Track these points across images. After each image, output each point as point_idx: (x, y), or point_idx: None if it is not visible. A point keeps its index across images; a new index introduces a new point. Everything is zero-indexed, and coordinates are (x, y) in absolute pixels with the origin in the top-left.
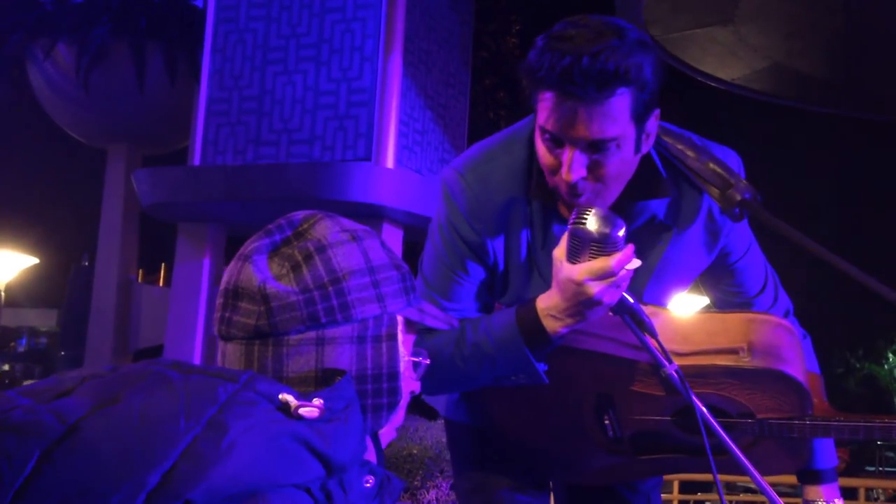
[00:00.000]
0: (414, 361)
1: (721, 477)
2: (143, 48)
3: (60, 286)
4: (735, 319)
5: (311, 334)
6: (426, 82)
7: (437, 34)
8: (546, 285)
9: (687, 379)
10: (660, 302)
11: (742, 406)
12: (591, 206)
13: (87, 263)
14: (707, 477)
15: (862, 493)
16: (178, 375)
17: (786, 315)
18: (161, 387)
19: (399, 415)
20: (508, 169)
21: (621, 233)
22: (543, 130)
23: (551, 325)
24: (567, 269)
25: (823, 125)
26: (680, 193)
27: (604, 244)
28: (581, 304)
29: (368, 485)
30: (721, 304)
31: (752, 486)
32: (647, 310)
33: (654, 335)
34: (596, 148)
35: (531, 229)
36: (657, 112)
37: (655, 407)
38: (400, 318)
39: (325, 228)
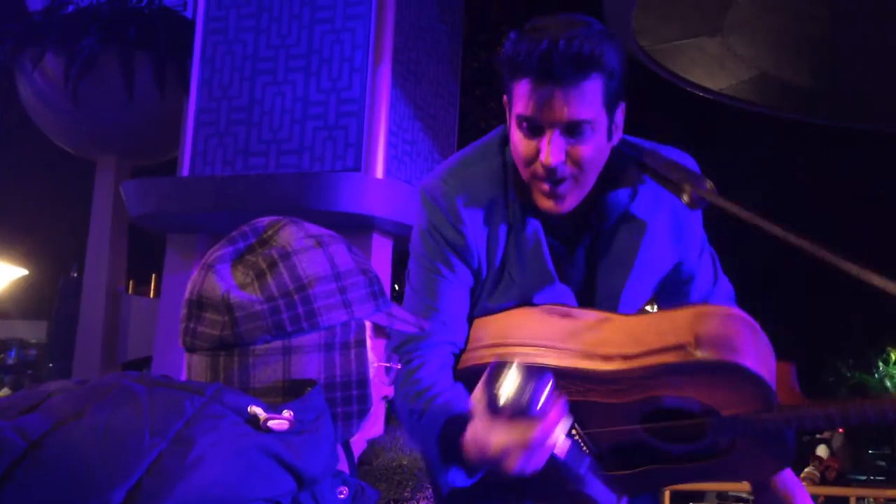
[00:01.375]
0: (385, 366)
1: (712, 486)
2: (132, 58)
3: (50, 298)
4: (683, 315)
5: (278, 343)
6: (416, 92)
7: (426, 44)
8: (515, 289)
9: (637, 380)
10: (639, 301)
11: (704, 406)
12: (511, 363)
13: (75, 275)
14: (698, 487)
15: (853, 501)
16: (144, 389)
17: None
18: (126, 401)
19: (374, 423)
20: (486, 173)
21: (545, 393)
22: (521, 119)
23: (471, 459)
24: (482, 431)
25: (812, 135)
26: (646, 185)
27: (525, 410)
28: (500, 469)
29: (342, 496)
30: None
31: (744, 495)
32: (600, 315)
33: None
34: (573, 131)
35: (509, 229)
36: (624, 105)
37: (618, 415)
38: (368, 324)
39: (290, 234)
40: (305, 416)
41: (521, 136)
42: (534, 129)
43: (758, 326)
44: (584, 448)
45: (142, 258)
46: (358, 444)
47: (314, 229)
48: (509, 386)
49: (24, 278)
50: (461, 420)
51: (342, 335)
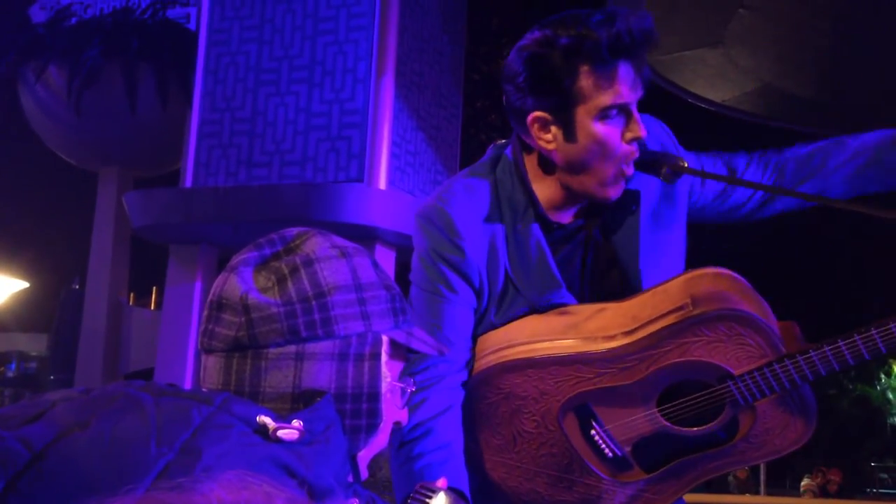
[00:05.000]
0: (401, 388)
1: (717, 498)
2: (135, 70)
3: (51, 310)
4: (673, 284)
5: (291, 348)
6: (418, 104)
7: (429, 56)
8: (521, 299)
9: (644, 352)
10: (658, 276)
11: (715, 367)
12: (438, 489)
13: (77, 286)
14: (703, 498)
15: None
16: (150, 398)
17: None
18: (131, 411)
19: (380, 438)
20: (479, 191)
21: None
22: (611, 108)
23: None
24: None
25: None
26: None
27: None
28: None
29: None
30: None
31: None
32: (596, 306)
33: None
34: (638, 107)
35: (507, 241)
36: None
37: (633, 398)
38: (385, 339)
39: (315, 244)
40: (315, 427)
41: (608, 125)
42: (623, 112)
43: (748, 283)
44: (606, 450)
45: (143, 269)
46: (366, 462)
47: (340, 241)
48: None
49: (25, 290)
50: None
51: (357, 346)
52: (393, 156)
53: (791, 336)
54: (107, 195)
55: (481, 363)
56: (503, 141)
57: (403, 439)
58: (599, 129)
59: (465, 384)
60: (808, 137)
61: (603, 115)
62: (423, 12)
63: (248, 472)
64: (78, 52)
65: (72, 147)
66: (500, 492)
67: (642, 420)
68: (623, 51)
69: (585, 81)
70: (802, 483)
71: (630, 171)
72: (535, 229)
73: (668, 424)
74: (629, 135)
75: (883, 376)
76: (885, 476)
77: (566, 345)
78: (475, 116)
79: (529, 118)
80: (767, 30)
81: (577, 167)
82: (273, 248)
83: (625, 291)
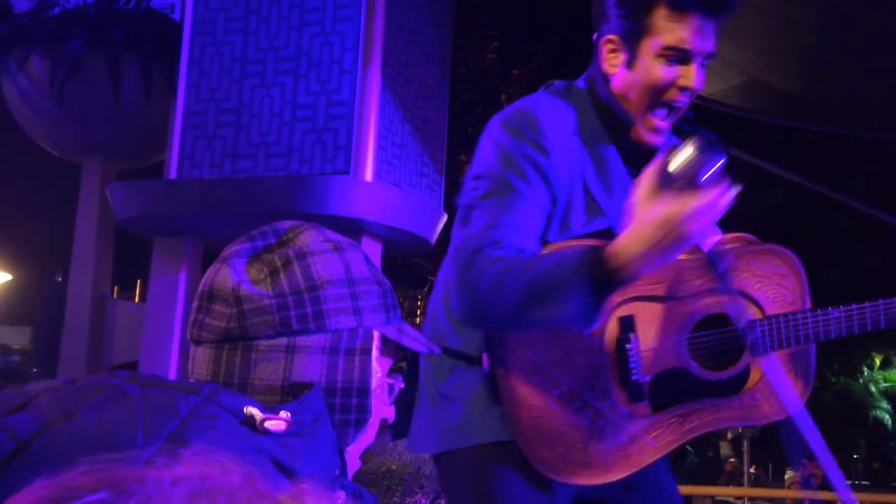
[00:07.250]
0: (389, 384)
1: (706, 490)
2: (119, 61)
3: (34, 302)
4: (731, 235)
5: (282, 341)
6: (405, 95)
7: (416, 48)
8: (601, 218)
9: (702, 268)
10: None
11: (752, 301)
12: (692, 138)
13: (60, 279)
14: (693, 491)
15: None
16: (136, 388)
17: None
18: (117, 401)
19: (368, 434)
20: (566, 107)
21: (714, 168)
22: (670, 49)
23: (622, 269)
24: (644, 205)
25: (800, 140)
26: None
27: (690, 179)
28: (671, 243)
29: (339, 501)
30: None
31: (731, 500)
32: None
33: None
34: (705, 62)
35: (591, 158)
36: None
37: (673, 321)
38: (376, 334)
39: (309, 237)
40: (303, 418)
41: (664, 64)
42: (682, 58)
43: None
44: (633, 370)
45: (127, 262)
46: (354, 458)
47: (333, 235)
48: (682, 157)
49: (8, 283)
50: (599, 248)
51: (349, 341)
52: (380, 148)
53: None
54: (90, 186)
55: None
56: (557, 80)
57: (520, 271)
58: (656, 65)
59: None
60: (795, 131)
61: (662, 53)
62: (410, 4)
63: (210, 448)
64: (61, 42)
65: (55, 138)
66: (511, 401)
67: (671, 345)
68: (697, 3)
69: (657, 19)
70: (787, 476)
71: (663, 124)
72: (614, 154)
73: (690, 359)
74: (681, 81)
75: (865, 369)
76: (868, 468)
77: None
78: (462, 109)
79: (604, 39)
80: (753, 24)
81: (627, 95)
82: (266, 240)
83: None
